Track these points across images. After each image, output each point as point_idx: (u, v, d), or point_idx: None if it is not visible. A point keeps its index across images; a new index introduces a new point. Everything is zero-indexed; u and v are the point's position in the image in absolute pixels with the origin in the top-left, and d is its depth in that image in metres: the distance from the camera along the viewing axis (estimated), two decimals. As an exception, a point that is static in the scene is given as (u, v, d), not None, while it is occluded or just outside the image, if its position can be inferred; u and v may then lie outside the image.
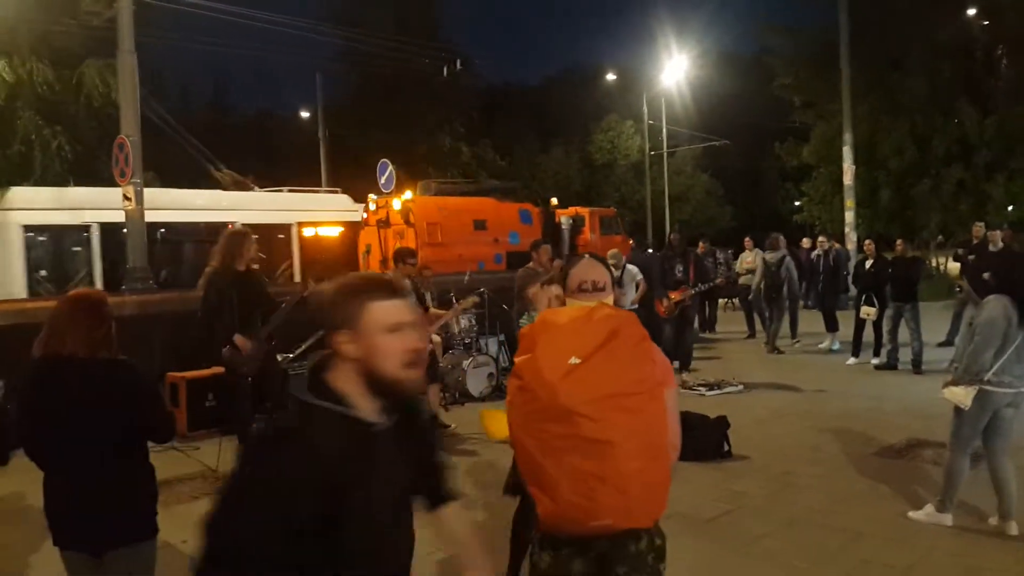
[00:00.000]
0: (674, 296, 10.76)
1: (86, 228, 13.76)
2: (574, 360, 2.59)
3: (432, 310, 8.45)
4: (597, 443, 2.55)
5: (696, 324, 13.71)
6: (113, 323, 3.25)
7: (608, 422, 2.56)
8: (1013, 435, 5.35)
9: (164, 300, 9.78)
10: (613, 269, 8.92)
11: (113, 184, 11.90)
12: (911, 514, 5.59)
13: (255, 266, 6.84)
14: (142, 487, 3.26)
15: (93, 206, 13.86)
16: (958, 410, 5.28)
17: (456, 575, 2.43)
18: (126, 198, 11.32)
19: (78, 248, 13.97)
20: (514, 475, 2.86)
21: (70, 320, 3.17)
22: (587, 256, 3.17)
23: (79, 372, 3.10)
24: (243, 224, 11.86)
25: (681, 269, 10.99)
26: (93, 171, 23.23)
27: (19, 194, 14.12)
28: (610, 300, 3.01)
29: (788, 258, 13.70)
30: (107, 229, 13.66)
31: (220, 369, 8.25)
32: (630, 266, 11.06)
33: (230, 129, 39.69)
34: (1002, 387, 5.13)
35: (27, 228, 13.37)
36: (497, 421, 4.49)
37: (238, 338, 6.43)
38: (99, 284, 13.02)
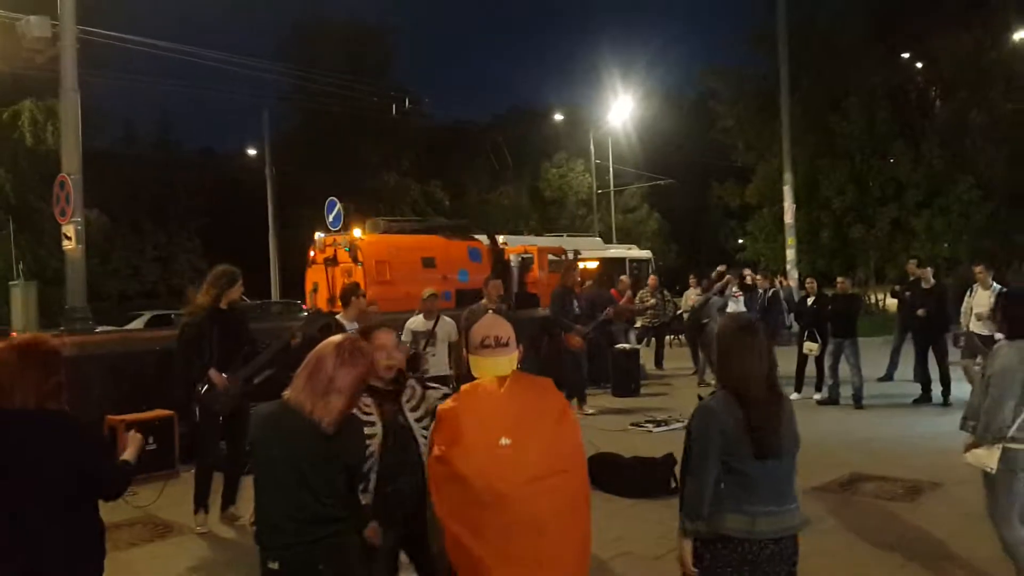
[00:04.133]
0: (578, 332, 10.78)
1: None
2: (504, 441, 2.58)
3: None
4: (532, 526, 2.55)
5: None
6: (63, 372, 3.10)
7: (541, 503, 2.56)
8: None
9: (103, 341, 9.59)
10: (428, 314, 8.59)
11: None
12: None
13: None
14: (88, 547, 3.10)
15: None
16: (988, 478, 4.68)
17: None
18: (67, 237, 11.07)
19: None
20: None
21: (19, 371, 2.98)
22: (490, 312, 3.22)
23: (25, 426, 2.94)
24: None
25: (577, 306, 11.10)
26: (32, 211, 22.79)
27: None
28: (515, 356, 2.98)
29: (715, 297, 13.94)
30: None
31: (164, 412, 8.13)
32: (446, 319, 8.91)
33: (175, 166, 39.25)
34: None
35: None
36: None
37: (213, 372, 6.29)
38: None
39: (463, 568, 2.63)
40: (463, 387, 2.94)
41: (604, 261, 23.52)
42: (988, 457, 4.60)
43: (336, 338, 3.30)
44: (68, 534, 3.01)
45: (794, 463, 3.23)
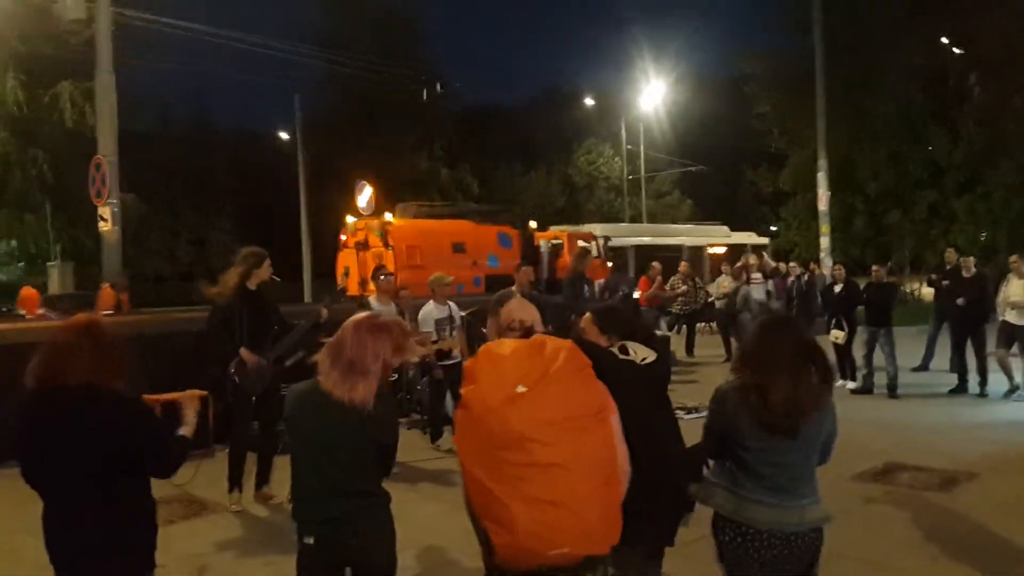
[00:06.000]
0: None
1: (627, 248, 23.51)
2: (521, 388, 2.59)
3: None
4: (550, 467, 2.54)
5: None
6: (119, 352, 3.16)
7: (560, 446, 2.55)
8: None
9: (139, 322, 9.70)
10: (440, 299, 8.41)
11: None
12: None
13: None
14: (142, 523, 3.17)
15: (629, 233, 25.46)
16: None
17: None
18: (102, 219, 11.23)
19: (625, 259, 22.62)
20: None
21: (76, 348, 3.04)
22: (519, 296, 3.24)
23: (81, 403, 2.99)
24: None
25: (587, 291, 11.16)
26: (69, 193, 23.08)
27: (603, 228, 24.66)
28: None
29: (743, 288, 13.86)
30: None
31: (198, 392, 8.18)
32: (452, 303, 8.60)
33: (209, 149, 39.52)
34: None
35: (610, 248, 22.49)
36: None
37: (244, 351, 6.35)
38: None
39: (481, 507, 2.66)
40: (489, 343, 3.00)
41: (730, 247, 25.31)
42: None
43: (355, 318, 3.31)
44: (120, 510, 3.07)
45: (807, 461, 3.28)
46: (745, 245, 26.26)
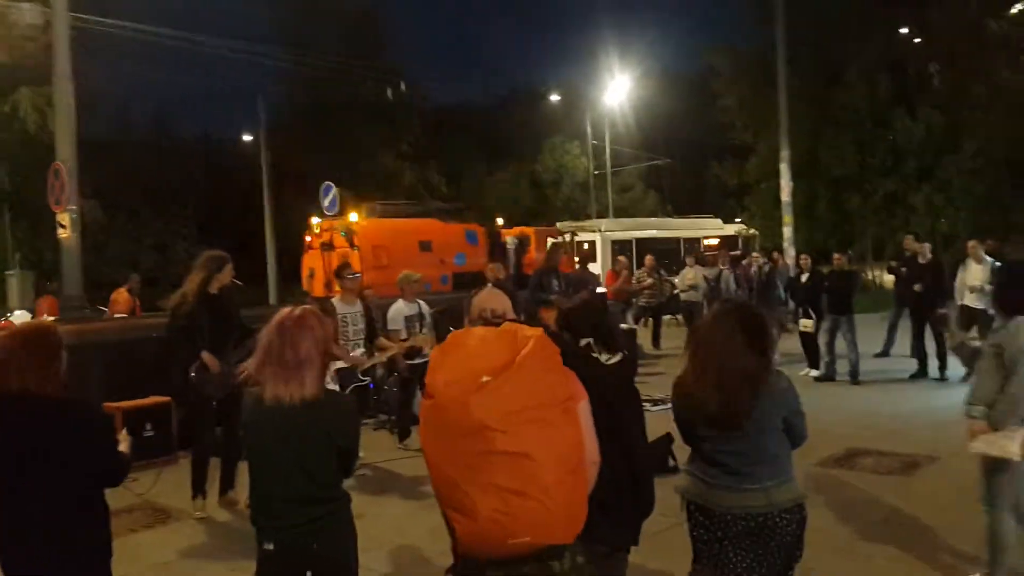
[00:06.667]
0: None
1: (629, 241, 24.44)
2: (485, 379, 2.58)
3: (380, 340, 8.03)
4: (512, 456, 2.52)
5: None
6: (64, 357, 3.15)
7: (522, 435, 2.53)
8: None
9: (101, 329, 9.59)
10: (409, 297, 8.43)
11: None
12: None
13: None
14: (95, 532, 3.16)
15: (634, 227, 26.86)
16: (992, 464, 4.28)
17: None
18: (61, 226, 11.06)
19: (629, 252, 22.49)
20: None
21: (21, 355, 3.04)
22: (490, 286, 3.25)
23: (30, 411, 2.99)
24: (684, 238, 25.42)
25: (556, 285, 11.11)
26: (29, 202, 22.73)
27: (607, 222, 27.03)
28: None
29: (725, 272, 13.98)
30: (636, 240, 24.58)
31: (161, 398, 8.14)
32: (421, 300, 8.75)
33: (172, 153, 39.11)
34: None
35: (613, 242, 23.99)
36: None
37: (205, 355, 6.30)
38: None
39: (445, 495, 2.62)
40: (454, 332, 2.98)
41: (723, 239, 26.52)
42: (1011, 444, 4.04)
43: (276, 317, 3.23)
44: (95, 511, 3.11)
45: (762, 447, 3.26)
46: (736, 236, 27.73)
